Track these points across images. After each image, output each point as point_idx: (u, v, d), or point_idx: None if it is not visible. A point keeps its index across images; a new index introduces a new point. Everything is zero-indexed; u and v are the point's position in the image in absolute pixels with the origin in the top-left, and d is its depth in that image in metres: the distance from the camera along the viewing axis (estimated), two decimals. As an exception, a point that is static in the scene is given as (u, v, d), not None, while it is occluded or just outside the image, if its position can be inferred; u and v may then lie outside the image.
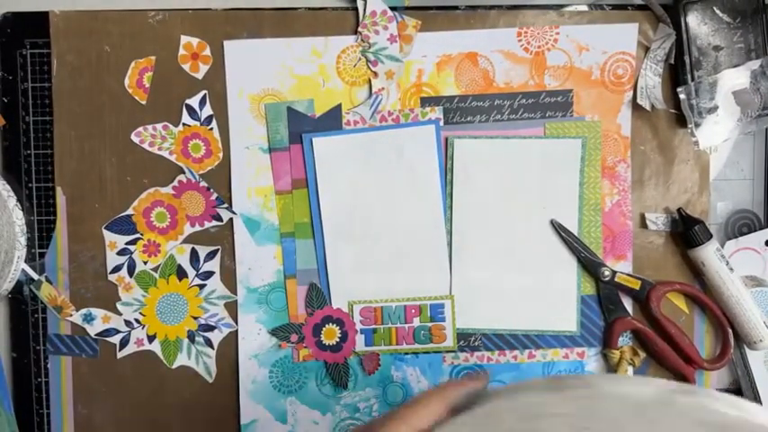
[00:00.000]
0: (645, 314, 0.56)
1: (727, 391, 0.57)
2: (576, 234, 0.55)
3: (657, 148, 0.56)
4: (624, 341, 0.56)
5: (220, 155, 0.56)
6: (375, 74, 0.55)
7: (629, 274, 0.55)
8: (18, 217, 0.55)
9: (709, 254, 0.53)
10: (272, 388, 0.56)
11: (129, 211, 0.56)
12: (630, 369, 0.56)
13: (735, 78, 0.53)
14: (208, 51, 0.55)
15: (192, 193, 0.56)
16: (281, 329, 0.56)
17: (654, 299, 0.54)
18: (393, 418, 0.35)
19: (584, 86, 0.55)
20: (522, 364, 0.56)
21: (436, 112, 0.55)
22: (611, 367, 0.55)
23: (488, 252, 0.56)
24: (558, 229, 0.55)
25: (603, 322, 0.56)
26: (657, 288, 0.55)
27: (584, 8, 0.55)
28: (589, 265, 0.55)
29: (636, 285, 0.55)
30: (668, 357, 0.55)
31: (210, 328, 0.57)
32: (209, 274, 0.56)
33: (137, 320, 0.57)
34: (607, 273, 0.55)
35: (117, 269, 0.56)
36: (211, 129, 0.56)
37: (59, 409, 0.57)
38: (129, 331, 0.57)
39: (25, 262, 0.56)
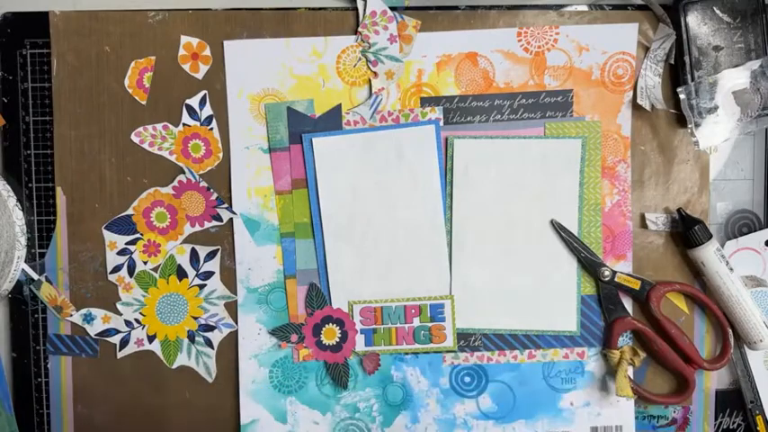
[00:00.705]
0: (645, 314, 0.56)
1: (728, 391, 0.57)
2: (576, 234, 0.55)
3: (657, 148, 0.56)
4: (624, 341, 0.56)
5: (220, 155, 0.56)
6: (375, 74, 0.55)
7: (629, 274, 0.55)
8: (18, 217, 0.55)
9: (709, 254, 0.53)
10: (272, 388, 0.56)
11: (129, 211, 0.56)
12: (630, 369, 0.56)
13: (735, 78, 0.53)
14: (208, 51, 0.55)
15: (192, 193, 0.56)
16: (281, 329, 0.56)
17: (654, 299, 0.54)
18: None
19: (584, 86, 0.55)
20: (522, 364, 0.56)
21: (436, 112, 0.55)
22: (612, 367, 0.55)
23: (488, 252, 0.56)
24: (558, 229, 0.55)
25: (603, 322, 0.56)
26: (657, 288, 0.55)
27: (584, 8, 0.55)
28: (589, 265, 0.55)
29: (636, 285, 0.55)
30: (668, 357, 0.55)
31: (210, 328, 0.57)
32: (209, 274, 0.56)
33: (137, 320, 0.57)
34: (607, 273, 0.55)
35: (117, 269, 0.56)
36: (211, 129, 0.56)
37: (59, 409, 0.57)
38: (129, 331, 0.57)
39: (25, 262, 0.56)
